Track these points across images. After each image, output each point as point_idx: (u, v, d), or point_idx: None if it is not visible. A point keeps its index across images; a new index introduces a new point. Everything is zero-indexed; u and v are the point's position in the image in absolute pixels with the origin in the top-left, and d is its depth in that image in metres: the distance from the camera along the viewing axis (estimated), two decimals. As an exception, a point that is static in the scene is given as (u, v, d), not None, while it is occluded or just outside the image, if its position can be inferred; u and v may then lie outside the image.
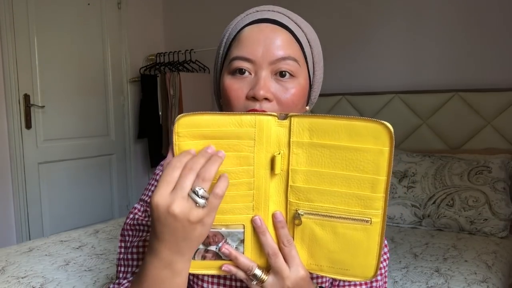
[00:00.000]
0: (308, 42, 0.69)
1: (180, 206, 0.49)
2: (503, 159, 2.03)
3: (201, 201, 0.49)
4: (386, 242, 0.76)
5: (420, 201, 2.02)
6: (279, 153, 0.54)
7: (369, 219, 0.53)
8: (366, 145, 0.50)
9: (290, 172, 0.54)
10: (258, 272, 0.57)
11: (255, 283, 0.57)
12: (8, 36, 2.64)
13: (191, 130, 0.53)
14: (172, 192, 0.50)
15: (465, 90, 2.31)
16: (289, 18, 0.69)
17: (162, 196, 0.49)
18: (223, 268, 0.57)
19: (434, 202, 1.99)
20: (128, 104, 3.39)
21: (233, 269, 0.58)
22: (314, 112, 2.72)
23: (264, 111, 0.64)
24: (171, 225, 0.50)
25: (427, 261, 1.57)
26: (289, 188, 0.55)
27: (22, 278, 1.40)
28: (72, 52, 2.98)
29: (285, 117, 0.54)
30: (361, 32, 2.66)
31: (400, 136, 2.49)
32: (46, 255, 1.62)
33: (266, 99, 0.64)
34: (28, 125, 2.76)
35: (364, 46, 2.66)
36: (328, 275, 0.58)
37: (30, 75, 2.76)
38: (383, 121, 0.50)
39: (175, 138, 0.53)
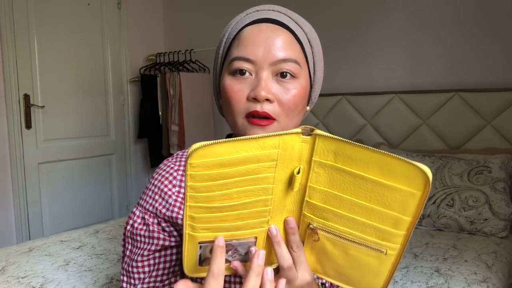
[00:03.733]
0: (309, 41, 0.69)
1: None
2: (503, 159, 2.03)
3: None
4: None
5: (420, 201, 2.02)
6: (299, 172, 0.51)
7: (385, 251, 0.49)
8: (397, 185, 0.46)
9: (308, 188, 0.51)
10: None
11: None
12: (8, 36, 2.64)
13: (206, 161, 0.48)
14: None
15: (465, 90, 2.31)
16: (289, 17, 0.68)
17: None
18: (231, 265, 0.55)
19: (434, 202, 1.99)
20: (128, 104, 3.39)
21: (240, 268, 0.56)
22: (312, 112, 2.72)
23: (265, 112, 0.63)
24: None
25: (427, 261, 1.57)
26: (304, 202, 0.53)
27: (22, 278, 1.40)
28: (72, 52, 2.98)
29: (310, 132, 0.50)
30: (361, 32, 2.66)
31: (400, 136, 2.49)
32: (46, 255, 1.62)
33: (267, 100, 0.63)
34: (28, 125, 2.76)
35: (364, 46, 2.66)
36: (333, 281, 0.57)
37: (30, 75, 2.76)
38: (421, 166, 0.44)
39: (187, 168, 0.48)
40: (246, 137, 0.48)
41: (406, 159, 0.45)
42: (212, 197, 0.50)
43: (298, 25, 0.68)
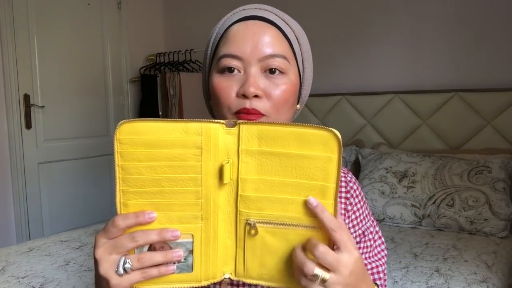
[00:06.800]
0: (297, 38, 0.69)
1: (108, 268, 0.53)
2: (503, 159, 2.03)
3: (121, 271, 0.52)
4: (385, 244, 0.77)
5: (420, 201, 2.02)
6: (228, 162, 0.53)
7: (320, 226, 0.52)
8: (315, 153, 0.50)
9: (239, 181, 0.53)
10: (318, 271, 0.50)
11: (318, 283, 0.50)
12: (8, 36, 2.64)
13: (132, 138, 0.51)
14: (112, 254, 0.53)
15: (465, 90, 2.31)
16: (276, 15, 0.68)
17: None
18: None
19: (434, 202, 1.99)
20: (128, 104, 3.39)
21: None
22: (312, 112, 2.72)
23: (254, 109, 0.63)
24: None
25: (427, 261, 1.57)
26: (238, 198, 0.54)
27: (22, 278, 1.40)
28: (72, 52, 2.98)
29: (233, 124, 0.53)
30: (361, 32, 2.66)
31: (400, 136, 2.49)
32: (46, 255, 1.62)
33: (256, 96, 0.63)
34: (28, 125, 2.76)
35: (364, 46, 2.66)
36: (279, 285, 0.55)
37: (30, 75, 2.76)
38: (331, 129, 0.50)
39: (116, 145, 0.51)
40: (170, 119, 0.52)
41: (316, 125, 0.50)
42: (143, 181, 0.52)
43: (285, 22, 0.68)
